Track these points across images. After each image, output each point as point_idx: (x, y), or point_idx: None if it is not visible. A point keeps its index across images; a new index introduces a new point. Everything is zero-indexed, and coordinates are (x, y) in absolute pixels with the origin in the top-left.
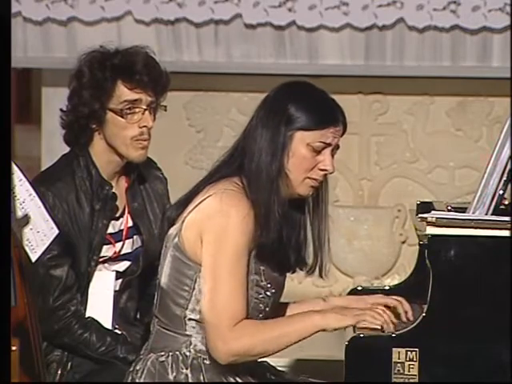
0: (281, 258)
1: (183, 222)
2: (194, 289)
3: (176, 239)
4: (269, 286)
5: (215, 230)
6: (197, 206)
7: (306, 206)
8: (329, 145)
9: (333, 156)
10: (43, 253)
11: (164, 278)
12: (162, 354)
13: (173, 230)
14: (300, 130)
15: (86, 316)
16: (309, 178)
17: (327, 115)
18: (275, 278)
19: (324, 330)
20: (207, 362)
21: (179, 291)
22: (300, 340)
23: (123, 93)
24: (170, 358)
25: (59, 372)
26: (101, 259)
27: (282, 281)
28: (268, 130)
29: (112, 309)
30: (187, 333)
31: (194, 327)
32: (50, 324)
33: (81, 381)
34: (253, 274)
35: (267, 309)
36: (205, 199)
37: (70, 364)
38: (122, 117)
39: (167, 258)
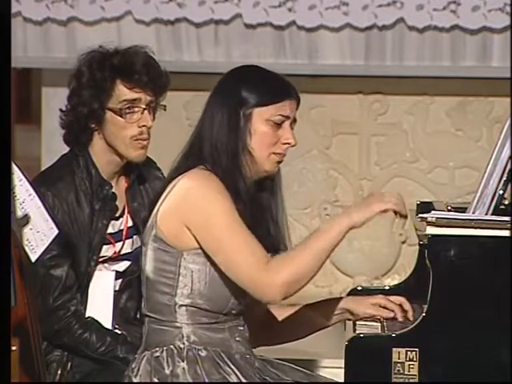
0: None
1: (157, 213)
2: (178, 274)
3: (153, 231)
4: None
5: (194, 208)
6: (167, 194)
7: (267, 191)
8: (287, 117)
9: (292, 129)
10: (43, 253)
11: (148, 273)
12: (157, 349)
13: (148, 225)
14: (257, 107)
15: (86, 316)
16: (273, 153)
17: (280, 89)
18: None
19: (354, 227)
20: (202, 353)
21: (165, 280)
22: (336, 246)
23: (122, 92)
24: (164, 352)
25: (59, 372)
26: (101, 259)
27: None
28: (224, 114)
29: (112, 309)
30: (178, 324)
31: (184, 315)
32: (49, 324)
33: (81, 381)
34: None
35: None
36: (174, 186)
37: (69, 364)
38: (122, 116)
39: (148, 253)
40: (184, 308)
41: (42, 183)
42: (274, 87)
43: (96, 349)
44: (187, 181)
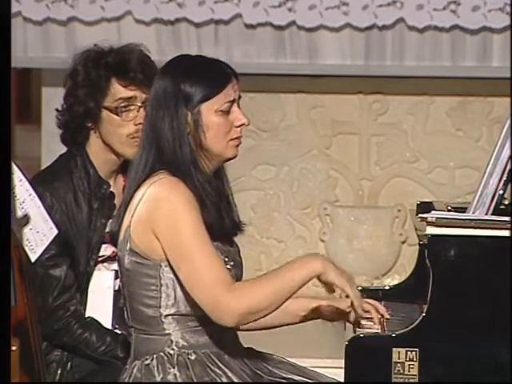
0: (224, 229)
1: (130, 226)
2: (160, 285)
3: (128, 245)
4: (226, 259)
5: (165, 218)
6: (137, 205)
7: (217, 173)
8: (234, 101)
9: (239, 108)
10: (43, 253)
11: (128, 287)
12: (147, 357)
13: (121, 239)
14: (204, 102)
15: (86, 316)
16: (231, 139)
17: (221, 75)
18: (228, 251)
19: (319, 276)
20: (192, 356)
21: (147, 293)
22: (302, 286)
23: (118, 90)
24: (154, 360)
25: (59, 372)
26: (100, 258)
27: (236, 253)
28: (171, 117)
29: (112, 308)
30: (166, 332)
31: (171, 323)
32: (49, 324)
33: (81, 381)
34: None
35: None
36: (142, 197)
37: (69, 364)
38: (117, 114)
39: (124, 267)
40: (170, 317)
41: (39, 183)
42: (214, 75)
43: (96, 348)
44: (157, 190)
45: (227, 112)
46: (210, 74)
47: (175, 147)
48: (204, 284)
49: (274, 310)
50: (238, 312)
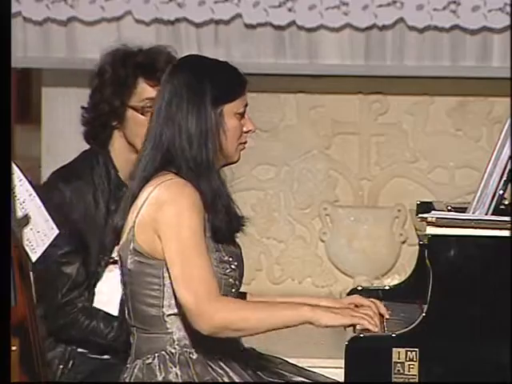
0: (231, 231)
1: (133, 226)
2: (164, 285)
3: (132, 245)
4: (231, 259)
5: (168, 219)
6: (142, 206)
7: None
8: (247, 106)
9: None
10: (43, 252)
11: (131, 286)
12: (148, 356)
13: (125, 239)
14: (227, 103)
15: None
16: (240, 143)
17: (241, 81)
18: (233, 251)
19: (311, 324)
20: (193, 356)
21: (150, 292)
22: (284, 327)
23: (145, 90)
24: (156, 359)
25: (61, 367)
26: (111, 260)
27: (238, 252)
28: (198, 116)
29: (119, 309)
30: (169, 331)
31: (174, 322)
32: (56, 319)
33: (82, 380)
34: (214, 252)
35: (237, 282)
36: (147, 198)
37: (71, 362)
38: (143, 114)
39: (127, 266)
40: (173, 316)
41: (61, 178)
42: (236, 81)
43: (105, 335)
44: (163, 192)
45: (242, 116)
46: (233, 77)
47: (200, 146)
48: (190, 285)
49: (256, 334)
50: (214, 323)
